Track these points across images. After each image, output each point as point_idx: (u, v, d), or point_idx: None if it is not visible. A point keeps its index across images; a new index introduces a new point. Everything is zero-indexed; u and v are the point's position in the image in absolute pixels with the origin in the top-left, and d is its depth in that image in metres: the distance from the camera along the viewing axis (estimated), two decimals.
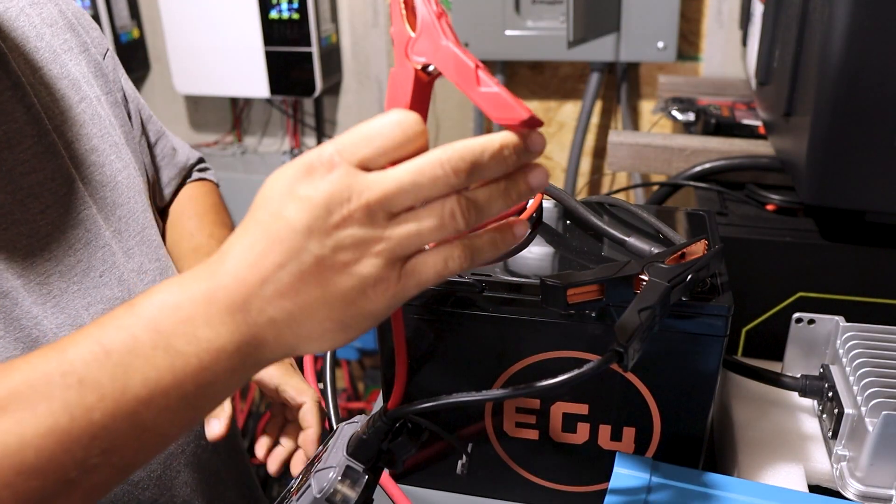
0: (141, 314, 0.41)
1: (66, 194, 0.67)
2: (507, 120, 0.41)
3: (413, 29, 0.44)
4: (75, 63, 0.73)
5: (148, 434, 0.42)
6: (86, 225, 0.68)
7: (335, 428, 0.60)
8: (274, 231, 0.40)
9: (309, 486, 0.55)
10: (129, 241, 0.73)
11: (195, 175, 0.96)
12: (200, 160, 0.98)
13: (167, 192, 0.90)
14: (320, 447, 0.60)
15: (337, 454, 0.56)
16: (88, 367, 0.40)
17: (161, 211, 0.90)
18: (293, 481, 0.61)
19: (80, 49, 0.75)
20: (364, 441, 0.55)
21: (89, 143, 0.71)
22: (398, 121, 0.40)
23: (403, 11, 0.44)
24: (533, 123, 0.41)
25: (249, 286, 0.41)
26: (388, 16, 1.98)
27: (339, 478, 0.54)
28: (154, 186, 0.86)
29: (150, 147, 0.87)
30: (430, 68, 0.44)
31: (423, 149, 0.41)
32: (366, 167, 0.40)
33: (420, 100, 0.45)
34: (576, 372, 0.48)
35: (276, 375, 0.75)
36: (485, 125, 1.98)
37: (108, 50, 0.79)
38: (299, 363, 0.80)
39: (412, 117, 0.40)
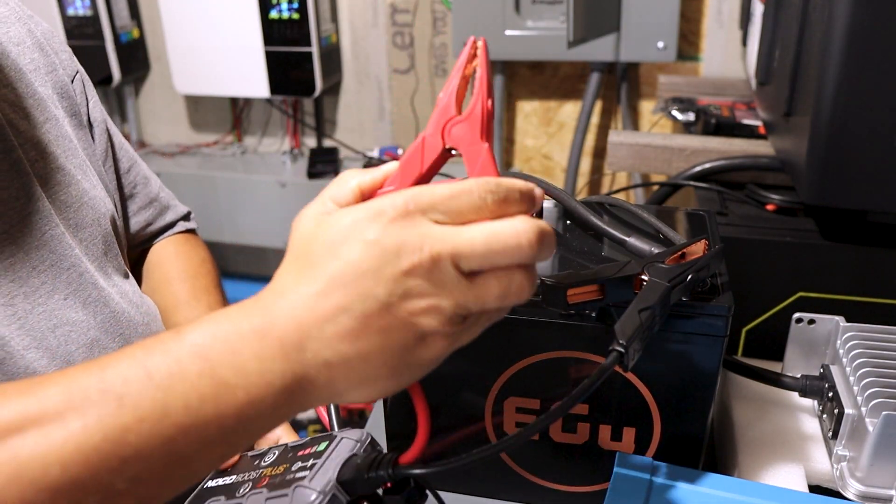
0: (187, 341, 0.40)
1: (30, 213, 0.64)
2: None
3: (459, 110, 0.47)
4: (41, 83, 0.71)
5: (179, 465, 0.40)
6: (50, 246, 0.66)
7: (335, 435, 0.57)
8: (337, 272, 0.39)
9: (285, 496, 0.52)
10: (93, 263, 0.70)
11: (181, 226, 0.91)
12: (188, 216, 0.93)
13: (136, 221, 0.85)
14: (308, 443, 0.58)
15: (326, 474, 0.51)
16: (129, 386, 0.38)
17: (132, 248, 0.85)
18: (266, 455, 0.59)
19: (48, 70, 0.73)
20: (359, 478, 0.50)
21: (55, 163, 0.69)
22: (481, 186, 0.40)
23: (455, 84, 0.47)
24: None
25: (308, 326, 0.39)
26: (388, 16, 1.98)
27: None
28: (122, 215, 0.83)
29: (119, 174, 0.83)
30: (454, 151, 0.47)
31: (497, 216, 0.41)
32: (438, 222, 0.40)
33: (435, 167, 0.48)
34: (584, 384, 0.48)
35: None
36: None
37: (77, 72, 0.77)
38: None
39: (501, 187, 0.40)
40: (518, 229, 0.39)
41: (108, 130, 0.81)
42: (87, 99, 0.78)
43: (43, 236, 0.65)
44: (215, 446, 0.40)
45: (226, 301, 0.86)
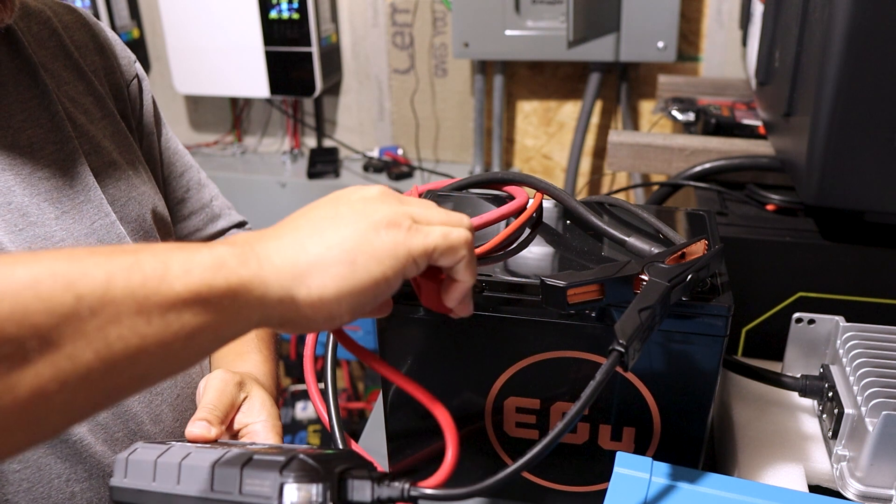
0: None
1: (83, 202, 0.69)
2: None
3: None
4: (100, 83, 0.77)
5: (131, 329, 0.36)
6: (99, 234, 0.69)
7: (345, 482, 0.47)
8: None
9: (280, 457, 0.46)
10: None
11: (233, 234, 0.92)
12: (242, 224, 0.94)
13: (185, 226, 0.88)
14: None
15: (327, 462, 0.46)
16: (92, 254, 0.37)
17: None
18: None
19: (106, 72, 0.79)
20: (365, 486, 0.46)
21: (108, 157, 0.73)
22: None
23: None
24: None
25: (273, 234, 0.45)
26: (388, 16, 1.98)
27: (303, 480, 0.44)
28: (171, 217, 0.85)
29: (172, 177, 0.87)
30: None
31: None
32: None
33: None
34: (590, 389, 0.48)
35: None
36: (484, 124, 1.98)
37: (134, 77, 0.83)
38: (299, 360, 0.80)
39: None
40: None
41: (156, 135, 0.85)
42: (141, 103, 0.83)
43: (92, 224, 0.69)
44: (166, 342, 0.37)
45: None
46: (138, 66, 0.85)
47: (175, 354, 0.38)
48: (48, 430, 0.36)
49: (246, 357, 0.79)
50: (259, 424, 0.66)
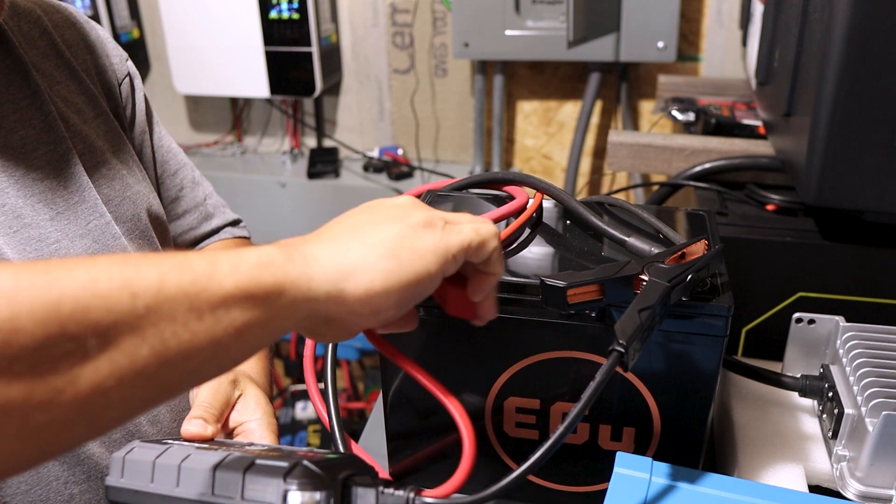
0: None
1: (77, 203, 0.68)
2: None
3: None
4: (92, 82, 0.77)
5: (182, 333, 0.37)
6: (94, 235, 0.69)
7: (349, 489, 0.47)
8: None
9: (283, 460, 0.46)
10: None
11: (228, 232, 0.93)
12: (236, 222, 0.95)
13: (179, 224, 0.88)
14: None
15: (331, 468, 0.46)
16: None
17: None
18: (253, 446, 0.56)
19: (97, 70, 0.78)
20: (369, 495, 0.45)
21: (102, 157, 0.73)
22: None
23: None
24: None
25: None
26: (388, 16, 1.98)
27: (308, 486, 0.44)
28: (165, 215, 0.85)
29: (165, 175, 0.87)
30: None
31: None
32: None
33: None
34: (590, 390, 0.48)
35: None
36: (484, 124, 1.98)
37: (126, 75, 0.82)
38: (299, 360, 0.79)
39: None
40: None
41: (149, 132, 0.85)
42: (133, 102, 0.83)
43: (87, 225, 0.69)
44: (214, 332, 0.38)
45: None
46: (130, 63, 0.84)
47: (225, 350, 0.39)
48: (106, 424, 0.37)
49: None
50: (254, 422, 0.66)
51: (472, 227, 0.50)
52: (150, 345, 0.35)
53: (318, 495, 0.43)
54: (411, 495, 0.46)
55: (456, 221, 0.50)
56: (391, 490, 0.46)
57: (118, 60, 0.82)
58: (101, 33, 0.82)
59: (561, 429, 0.48)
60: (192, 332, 0.37)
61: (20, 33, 0.72)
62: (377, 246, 0.45)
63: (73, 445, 0.37)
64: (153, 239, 0.77)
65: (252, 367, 0.77)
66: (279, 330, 0.42)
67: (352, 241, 0.45)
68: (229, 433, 0.67)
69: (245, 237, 0.95)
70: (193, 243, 0.91)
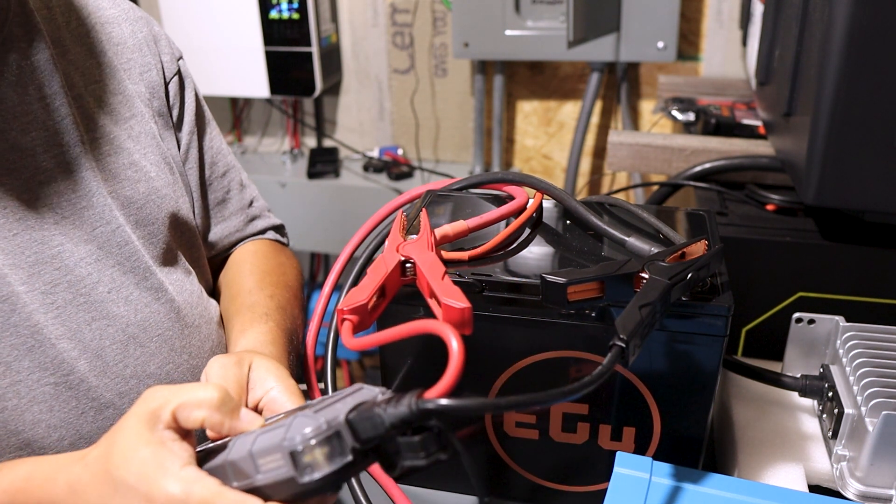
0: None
1: (84, 208, 0.67)
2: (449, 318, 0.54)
3: (404, 237, 0.63)
4: (133, 82, 0.75)
5: None
6: (99, 241, 0.68)
7: (354, 385, 0.49)
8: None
9: (282, 427, 0.45)
10: (154, 259, 0.72)
11: (270, 235, 0.92)
12: (280, 228, 0.94)
13: (225, 226, 0.87)
14: (322, 398, 0.51)
15: (334, 411, 0.44)
16: None
17: (219, 252, 0.87)
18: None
19: (142, 69, 0.77)
20: (374, 417, 0.43)
21: (129, 158, 0.72)
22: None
23: (401, 231, 0.64)
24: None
25: None
26: (388, 16, 1.98)
27: (320, 439, 0.43)
28: (203, 215, 0.84)
29: (212, 178, 0.85)
30: (408, 265, 0.61)
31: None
32: None
33: (392, 283, 0.60)
34: (592, 375, 0.47)
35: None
36: (484, 124, 1.98)
37: (177, 73, 0.81)
38: (299, 362, 0.79)
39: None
40: None
41: (198, 133, 0.84)
42: (182, 101, 0.82)
43: (94, 231, 0.68)
44: None
45: (293, 298, 0.83)
46: (182, 63, 0.83)
47: None
48: None
49: (248, 332, 0.75)
50: (274, 391, 0.62)
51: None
52: None
53: (325, 446, 0.43)
54: (413, 400, 0.43)
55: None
56: (393, 404, 0.43)
57: (169, 59, 0.81)
58: (157, 30, 0.81)
59: (558, 389, 0.45)
60: None
61: (67, 30, 0.70)
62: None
63: None
64: (178, 241, 0.76)
65: (257, 339, 0.73)
66: None
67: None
68: (257, 411, 0.65)
69: (283, 243, 0.95)
70: (237, 244, 0.90)
